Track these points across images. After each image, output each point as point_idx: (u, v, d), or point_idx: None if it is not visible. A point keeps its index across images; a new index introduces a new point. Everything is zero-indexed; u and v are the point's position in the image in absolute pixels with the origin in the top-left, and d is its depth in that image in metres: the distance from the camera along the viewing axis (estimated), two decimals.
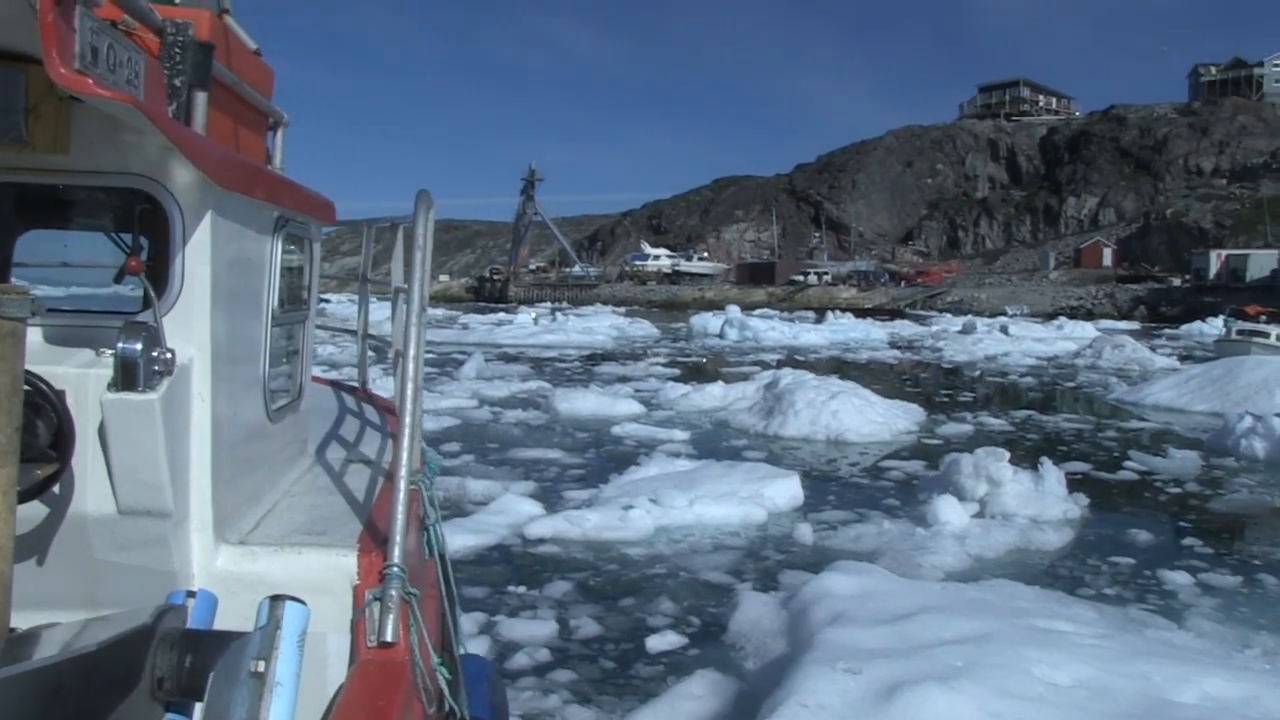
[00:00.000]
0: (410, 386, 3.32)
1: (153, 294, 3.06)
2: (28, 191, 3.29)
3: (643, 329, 61.36)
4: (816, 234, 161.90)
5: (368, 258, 6.40)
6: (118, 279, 3.28)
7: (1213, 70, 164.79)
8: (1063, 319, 70.68)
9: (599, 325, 59.07)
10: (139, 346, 2.89)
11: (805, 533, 11.13)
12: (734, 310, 69.57)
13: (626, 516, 10.91)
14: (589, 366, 36.42)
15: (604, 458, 16.36)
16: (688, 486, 11.99)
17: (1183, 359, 41.13)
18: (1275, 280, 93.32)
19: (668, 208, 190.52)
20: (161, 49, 3.11)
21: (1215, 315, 74.38)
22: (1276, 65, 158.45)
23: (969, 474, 12.72)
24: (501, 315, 73.36)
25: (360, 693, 2.71)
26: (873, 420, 19.51)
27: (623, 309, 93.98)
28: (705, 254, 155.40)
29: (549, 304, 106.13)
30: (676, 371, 34.76)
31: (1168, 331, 70.49)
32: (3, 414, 2.36)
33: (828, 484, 14.34)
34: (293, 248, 4.15)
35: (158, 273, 3.13)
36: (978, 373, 37.12)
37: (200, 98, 3.26)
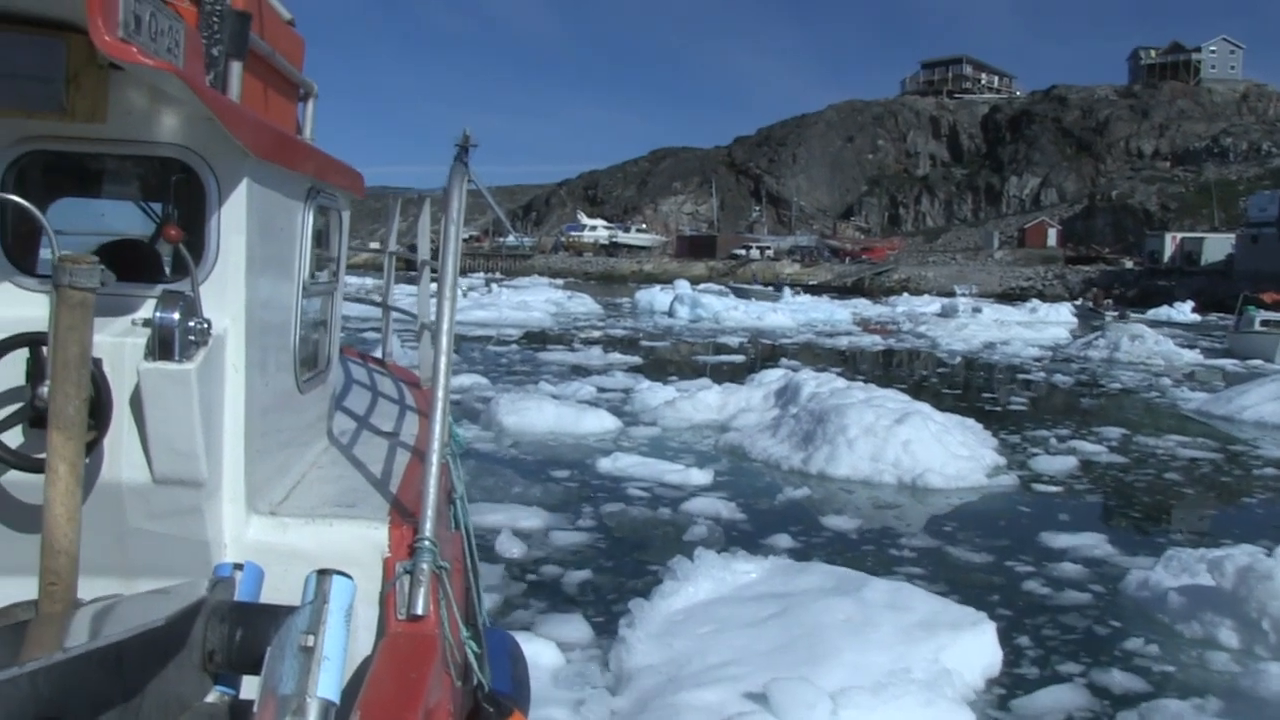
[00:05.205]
0: (442, 360, 3.20)
1: (191, 263, 2.98)
2: (61, 159, 3.22)
3: (583, 304, 55.15)
4: (757, 207, 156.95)
5: (393, 229, 6.82)
6: (148, 244, 3.45)
7: (1152, 54, 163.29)
8: (1035, 301, 65.99)
9: (535, 300, 52.67)
10: (176, 316, 2.85)
11: None
12: (683, 286, 63.75)
13: None
14: (531, 352, 30.17)
15: (601, 527, 10.32)
16: (803, 649, 6.02)
17: (1205, 353, 36.41)
18: (1230, 264, 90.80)
19: (604, 178, 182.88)
20: (200, 18, 3.08)
21: (1182, 300, 71.14)
22: (1213, 51, 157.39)
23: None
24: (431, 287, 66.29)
25: (391, 665, 2.63)
26: (957, 454, 13.77)
27: (559, 281, 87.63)
28: (643, 226, 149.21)
29: (482, 274, 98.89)
30: (637, 359, 28.90)
31: (1133, 315, 66.62)
32: (71, 384, 2.54)
33: (988, 594, 8.52)
34: (322, 218, 4.05)
35: (191, 242, 3.05)
36: (993, 367, 31.89)
37: (236, 67, 3.21)
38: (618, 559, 9.34)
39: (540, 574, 8.76)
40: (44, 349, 2.83)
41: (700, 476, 12.49)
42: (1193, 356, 34.47)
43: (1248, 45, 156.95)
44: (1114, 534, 10.78)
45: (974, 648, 6.51)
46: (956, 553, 9.85)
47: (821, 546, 9.84)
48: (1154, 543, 10.46)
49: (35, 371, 2.86)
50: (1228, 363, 34.00)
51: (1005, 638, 7.12)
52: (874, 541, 10.16)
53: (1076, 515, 11.92)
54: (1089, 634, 7.79)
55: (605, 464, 13.08)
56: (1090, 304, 62.27)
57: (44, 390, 2.73)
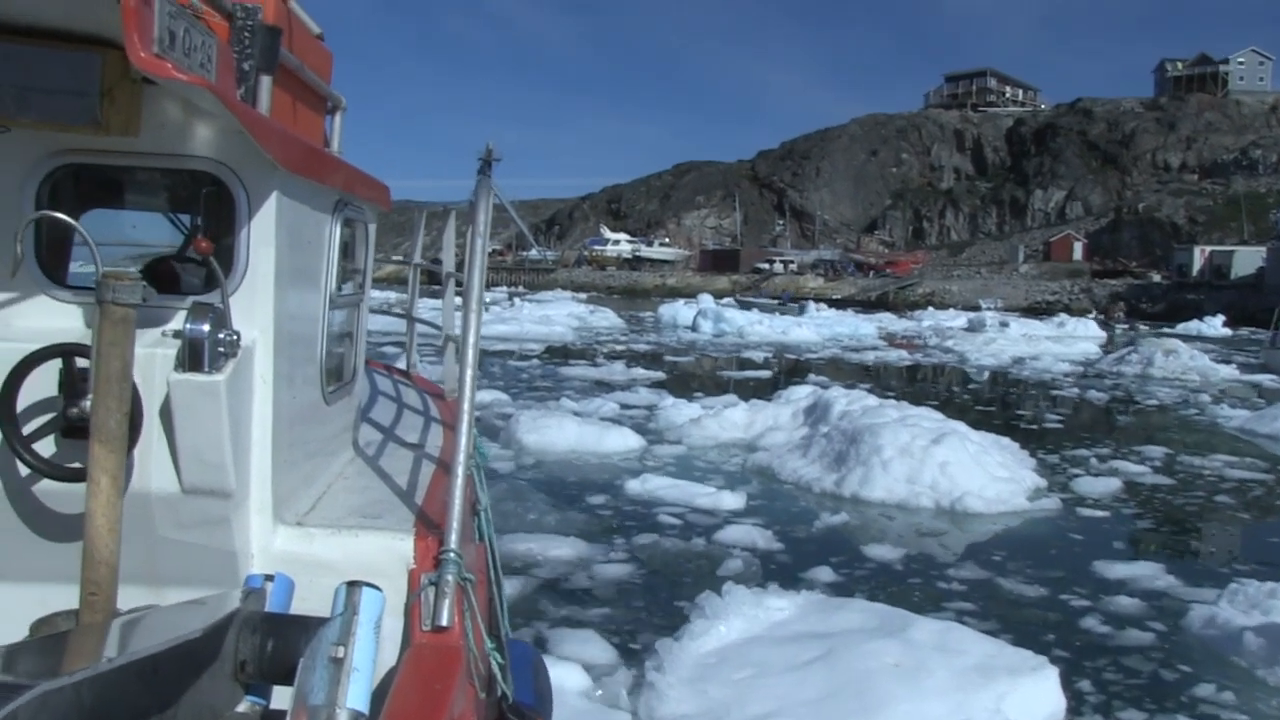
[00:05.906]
0: (468, 373, 3.17)
1: (221, 275, 3.00)
2: (93, 171, 3.25)
3: (606, 319, 54.62)
4: (780, 221, 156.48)
5: (418, 242, 6.97)
6: (179, 257, 3.38)
7: (1179, 66, 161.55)
8: (1063, 315, 64.93)
9: (557, 314, 52.20)
10: (206, 328, 2.89)
11: None
12: (707, 300, 63.29)
13: None
14: (553, 366, 29.76)
15: (632, 558, 9.79)
16: (852, 698, 5.54)
17: (1242, 369, 35.50)
18: (1261, 278, 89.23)
19: (627, 192, 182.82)
20: (231, 33, 3.11)
21: (1212, 314, 69.92)
22: (1241, 63, 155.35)
23: None
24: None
25: (416, 676, 2.65)
26: (996, 476, 13.21)
27: (582, 295, 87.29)
28: (666, 240, 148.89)
29: (505, 288, 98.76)
30: (661, 375, 28.40)
31: (1164, 330, 65.52)
32: (113, 397, 2.57)
33: (1042, 632, 7.97)
34: (349, 231, 4.06)
35: (220, 254, 3.07)
36: (1024, 383, 31.19)
37: (265, 81, 3.24)
38: (651, 594, 8.78)
39: (567, 606, 8.30)
40: (77, 360, 2.88)
41: (731, 500, 11.97)
42: (1229, 372, 33.59)
43: (1277, 57, 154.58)
44: (1170, 563, 10.19)
45: (1035, 695, 5.99)
46: (1005, 585, 9.29)
47: (862, 579, 9.31)
48: (1216, 573, 9.88)
49: (68, 382, 2.90)
50: (1265, 378, 33.12)
51: (1066, 682, 6.58)
52: (916, 573, 9.62)
53: (1127, 542, 11.35)
54: (1155, 678, 7.22)
55: (632, 486, 12.58)
56: (1103, 316, 61.83)
57: (85, 402, 2.79)
